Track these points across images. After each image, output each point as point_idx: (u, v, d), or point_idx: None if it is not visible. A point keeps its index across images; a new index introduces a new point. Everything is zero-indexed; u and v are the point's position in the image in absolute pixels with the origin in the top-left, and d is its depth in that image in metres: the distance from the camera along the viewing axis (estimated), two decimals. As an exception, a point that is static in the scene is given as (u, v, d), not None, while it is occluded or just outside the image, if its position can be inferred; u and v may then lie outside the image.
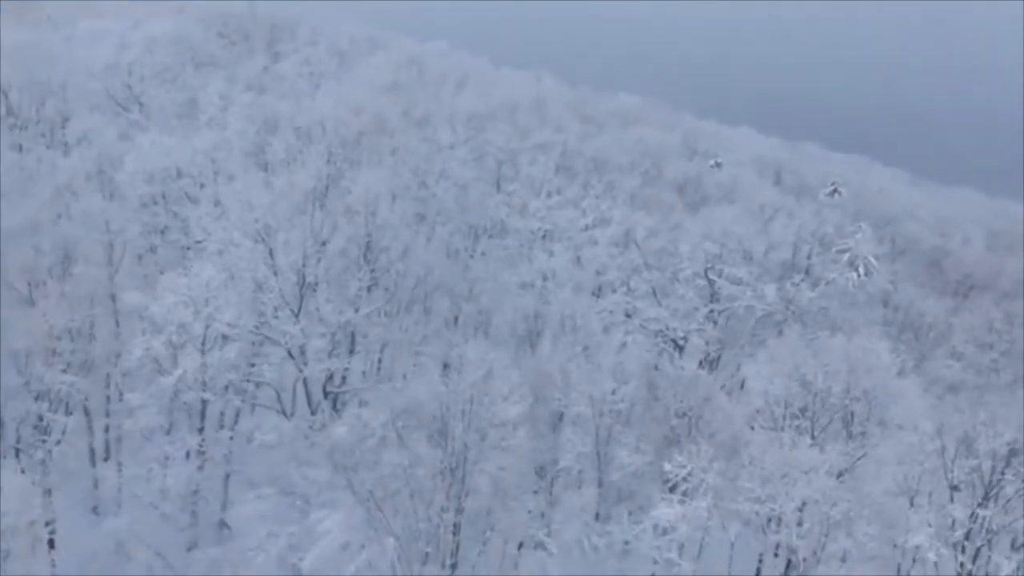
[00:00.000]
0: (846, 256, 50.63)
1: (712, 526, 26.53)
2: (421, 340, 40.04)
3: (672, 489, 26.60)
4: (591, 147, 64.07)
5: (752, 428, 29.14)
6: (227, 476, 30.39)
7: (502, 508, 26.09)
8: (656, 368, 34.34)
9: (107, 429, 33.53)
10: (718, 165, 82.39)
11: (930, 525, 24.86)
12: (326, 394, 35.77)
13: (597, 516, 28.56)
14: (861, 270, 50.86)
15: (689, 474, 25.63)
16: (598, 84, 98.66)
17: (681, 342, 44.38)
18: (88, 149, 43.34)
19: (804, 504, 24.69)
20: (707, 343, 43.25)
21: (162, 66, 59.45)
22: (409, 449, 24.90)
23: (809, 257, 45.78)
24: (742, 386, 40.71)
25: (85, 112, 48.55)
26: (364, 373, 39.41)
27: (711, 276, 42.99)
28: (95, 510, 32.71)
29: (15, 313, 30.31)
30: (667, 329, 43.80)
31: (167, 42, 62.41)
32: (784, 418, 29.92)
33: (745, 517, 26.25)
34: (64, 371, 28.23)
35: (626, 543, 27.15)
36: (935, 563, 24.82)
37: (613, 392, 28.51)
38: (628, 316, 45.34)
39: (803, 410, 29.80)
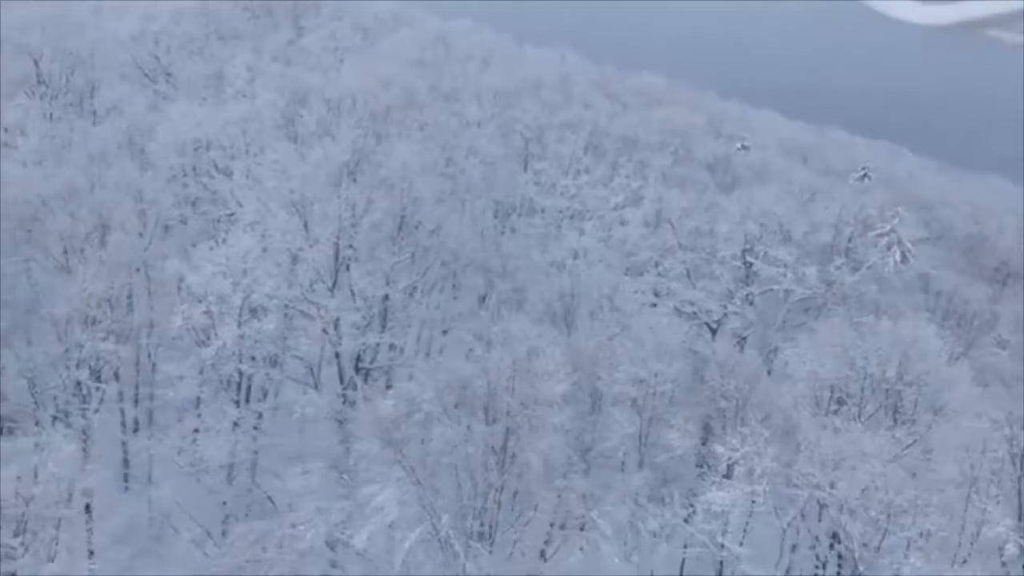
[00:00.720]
0: (884, 241, 49.63)
1: (762, 511, 25.92)
2: (454, 317, 39.59)
3: (726, 475, 26.01)
4: (619, 126, 63.21)
5: (798, 412, 28.47)
6: (267, 449, 30.08)
7: (546, 487, 25.67)
8: (695, 350, 33.74)
9: (136, 401, 33.33)
10: (745, 148, 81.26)
11: (1010, 518, 24.14)
12: (358, 369, 35.43)
13: (636, 498, 28.08)
14: (898, 255, 49.89)
15: (743, 457, 25.05)
16: (619, 63, 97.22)
17: (714, 325, 43.73)
18: (118, 119, 42.94)
19: (864, 490, 23.97)
20: (744, 326, 42.54)
21: (188, 37, 58.82)
22: (457, 425, 24.45)
23: (850, 240, 44.89)
24: (769, 371, 40.08)
25: (114, 82, 48.11)
26: (391, 348, 39.03)
27: (749, 258, 42.20)
28: (126, 478, 32.62)
29: (52, 280, 30.06)
30: (701, 311, 43.14)
31: (192, 14, 61.73)
32: (829, 402, 29.27)
33: (801, 503, 25.64)
34: (104, 339, 27.97)
35: (660, 528, 26.58)
36: (1006, 554, 24.17)
37: (656, 374, 27.92)
38: (657, 295, 44.70)
39: (850, 395, 29.13)
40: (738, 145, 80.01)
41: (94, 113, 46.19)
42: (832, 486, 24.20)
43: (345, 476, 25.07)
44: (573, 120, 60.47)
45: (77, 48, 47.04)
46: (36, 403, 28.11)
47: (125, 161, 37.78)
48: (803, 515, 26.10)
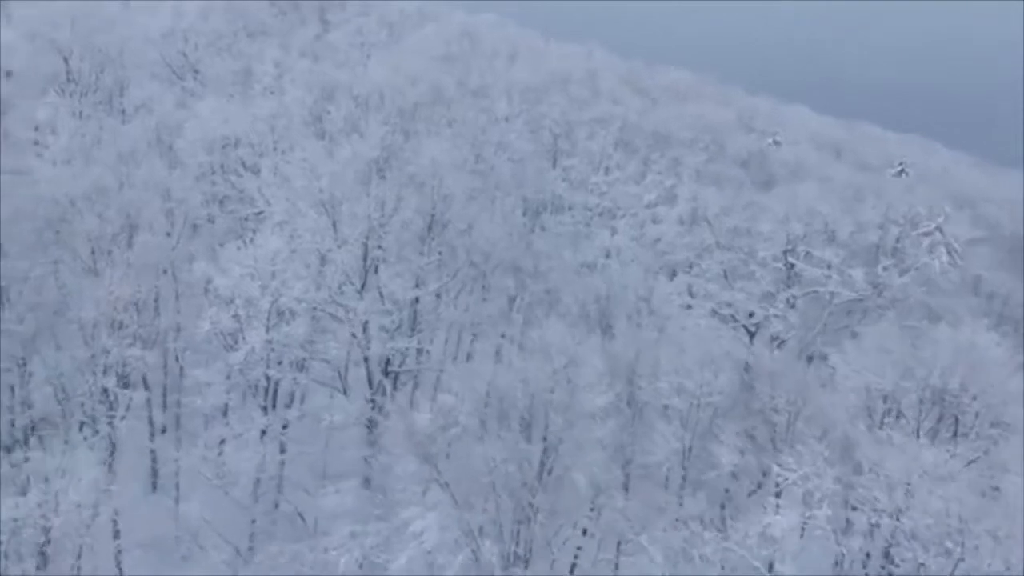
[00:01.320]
0: (928, 240, 47.57)
1: (817, 534, 24.40)
2: (484, 320, 38.53)
3: (776, 493, 24.61)
4: (649, 122, 61.76)
5: (854, 426, 26.88)
6: (294, 459, 29.23)
7: (585, 504, 24.47)
8: (736, 357, 32.27)
9: (164, 407, 32.65)
10: (777, 143, 79.39)
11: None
12: (387, 373, 34.53)
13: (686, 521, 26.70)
14: (944, 255, 47.80)
15: (800, 478, 23.55)
16: (646, 59, 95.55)
17: (753, 328, 42.15)
18: (147, 117, 42.49)
19: (935, 517, 22.30)
20: (785, 329, 40.88)
21: (215, 34, 58.43)
22: (495, 440, 23.34)
23: (898, 240, 42.95)
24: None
25: (143, 79, 47.72)
26: (419, 351, 38.06)
27: (791, 259, 40.51)
28: (154, 487, 31.98)
29: (80, 282, 29.48)
30: (739, 314, 41.57)
31: (220, 11, 61.37)
32: (883, 415, 27.66)
33: (863, 527, 24.08)
34: (131, 344, 27.30)
35: (712, 552, 25.12)
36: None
37: (702, 385, 26.50)
38: (692, 297, 43.25)
39: (906, 406, 27.47)
40: (770, 140, 78.23)
41: (123, 111, 45.82)
42: (900, 512, 22.54)
43: (380, 496, 24.00)
44: (602, 116, 59.22)
45: (106, 46, 46.70)
46: (63, 410, 27.56)
47: (154, 159, 37.23)
48: (863, 539, 24.47)
